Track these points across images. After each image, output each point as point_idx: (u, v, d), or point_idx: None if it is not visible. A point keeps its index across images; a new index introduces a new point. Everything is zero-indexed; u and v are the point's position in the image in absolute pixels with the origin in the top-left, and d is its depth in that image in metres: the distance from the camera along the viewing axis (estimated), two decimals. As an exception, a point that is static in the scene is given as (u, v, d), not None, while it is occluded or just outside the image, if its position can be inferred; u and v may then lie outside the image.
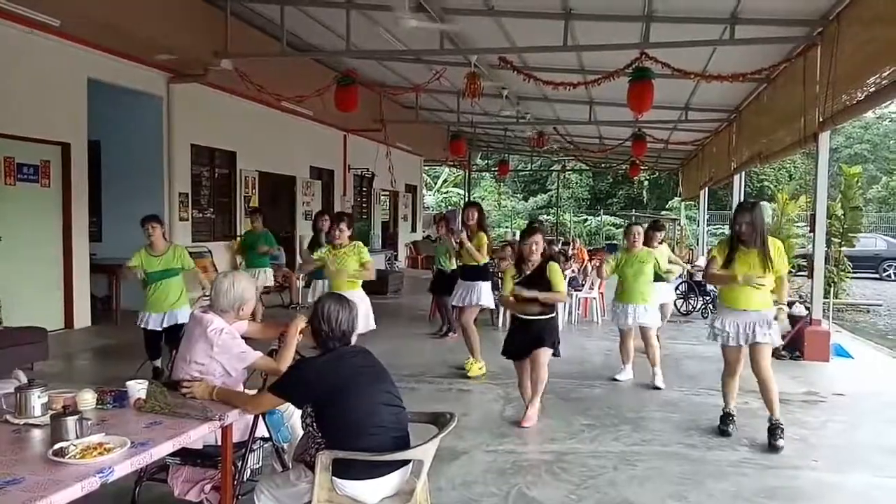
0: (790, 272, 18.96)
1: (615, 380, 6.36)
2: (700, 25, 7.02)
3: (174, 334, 5.81)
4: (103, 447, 2.22)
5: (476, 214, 6.80)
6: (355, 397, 2.65)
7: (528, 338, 5.03)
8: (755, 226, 4.57)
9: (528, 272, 5.04)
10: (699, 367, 6.90)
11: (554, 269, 5.01)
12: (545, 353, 5.02)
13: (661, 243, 7.58)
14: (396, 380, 2.91)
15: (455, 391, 6.00)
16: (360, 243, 5.97)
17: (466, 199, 26.30)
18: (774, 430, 4.62)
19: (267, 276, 8.87)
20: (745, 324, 4.64)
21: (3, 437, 2.41)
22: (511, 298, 5.06)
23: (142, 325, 5.87)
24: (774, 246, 4.64)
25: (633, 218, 29.69)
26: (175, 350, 5.73)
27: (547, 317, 5.05)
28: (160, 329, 5.83)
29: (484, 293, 6.66)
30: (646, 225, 7.26)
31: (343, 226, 5.79)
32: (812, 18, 6.72)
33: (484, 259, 6.71)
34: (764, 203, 5.49)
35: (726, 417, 4.92)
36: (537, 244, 5.02)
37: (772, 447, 4.55)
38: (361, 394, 2.67)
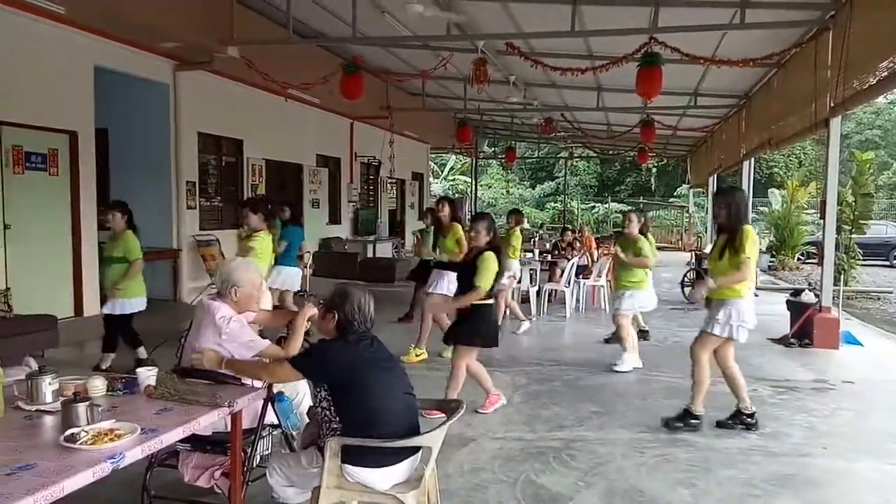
0: (800, 258, 18.63)
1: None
2: (710, 9, 6.93)
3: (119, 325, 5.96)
4: (114, 433, 2.23)
5: (447, 207, 6.80)
6: (374, 383, 2.67)
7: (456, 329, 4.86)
8: (730, 211, 4.45)
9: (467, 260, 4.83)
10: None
11: (484, 258, 4.62)
12: (458, 350, 4.79)
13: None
14: (405, 367, 2.92)
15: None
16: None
17: (472, 187, 26.32)
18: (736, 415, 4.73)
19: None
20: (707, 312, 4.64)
21: (15, 423, 2.42)
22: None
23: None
24: (745, 233, 4.39)
25: (641, 205, 29.64)
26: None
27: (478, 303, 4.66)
28: (113, 314, 5.94)
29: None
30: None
31: (246, 211, 5.97)
32: (824, 2, 6.62)
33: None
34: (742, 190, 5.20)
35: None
36: (477, 232, 4.74)
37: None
38: (380, 380, 2.69)
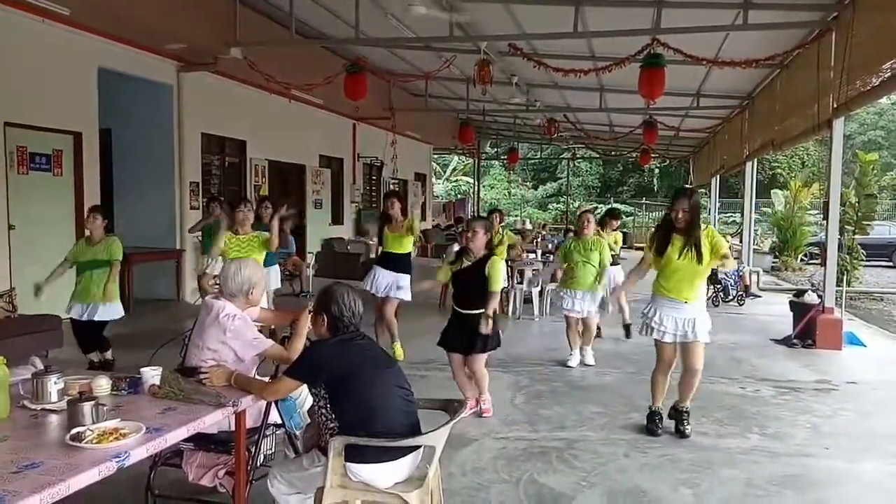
0: (803, 259, 18.57)
1: (566, 366, 6.39)
2: (713, 10, 6.94)
3: (90, 331, 5.75)
4: (119, 432, 2.24)
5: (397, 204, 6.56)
6: (369, 379, 2.69)
7: (463, 334, 4.73)
8: (691, 213, 4.31)
9: (468, 264, 4.72)
10: (709, 353, 6.86)
11: (495, 264, 4.66)
12: (478, 359, 4.77)
13: (615, 231, 8.10)
14: (406, 367, 2.93)
15: (465, 379, 6.00)
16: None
17: (475, 188, 26.25)
18: (682, 416, 4.62)
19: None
20: (684, 319, 4.41)
21: (21, 422, 2.44)
22: (436, 282, 5.23)
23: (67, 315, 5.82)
24: (706, 234, 4.37)
25: (644, 206, 29.60)
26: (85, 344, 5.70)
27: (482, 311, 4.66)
28: (82, 320, 5.71)
29: (406, 286, 6.53)
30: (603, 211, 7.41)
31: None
32: (827, 3, 6.63)
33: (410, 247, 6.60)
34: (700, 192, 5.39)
35: (653, 416, 4.65)
36: (475, 233, 4.69)
37: (680, 433, 4.54)
38: (374, 376, 2.71)
